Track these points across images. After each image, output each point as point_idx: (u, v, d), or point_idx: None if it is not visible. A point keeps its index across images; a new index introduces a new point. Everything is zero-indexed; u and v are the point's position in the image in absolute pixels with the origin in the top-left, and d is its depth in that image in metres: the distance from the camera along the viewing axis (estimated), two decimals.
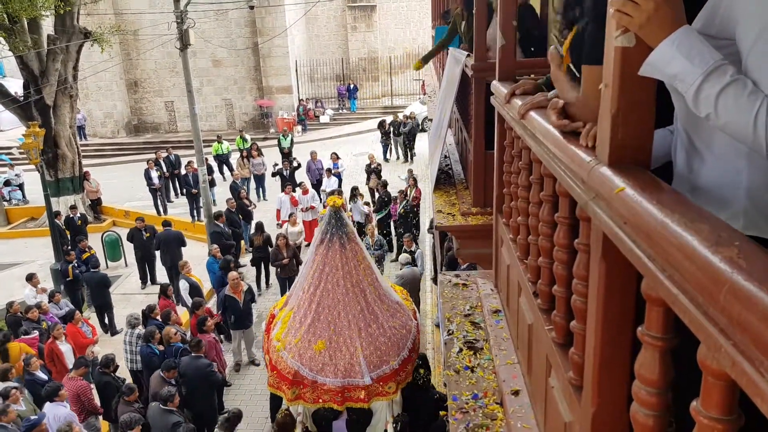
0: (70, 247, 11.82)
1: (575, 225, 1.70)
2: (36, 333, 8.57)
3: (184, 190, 16.53)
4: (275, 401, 8.00)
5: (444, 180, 5.70)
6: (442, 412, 5.69)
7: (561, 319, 1.83)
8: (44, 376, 7.55)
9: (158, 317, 8.54)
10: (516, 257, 2.56)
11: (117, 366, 7.55)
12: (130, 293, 12.29)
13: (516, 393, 2.43)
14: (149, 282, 12.46)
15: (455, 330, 3.10)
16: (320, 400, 5.94)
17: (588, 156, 1.40)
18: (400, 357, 6.09)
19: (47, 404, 6.63)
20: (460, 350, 2.91)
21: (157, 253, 12.06)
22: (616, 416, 1.39)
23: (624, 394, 1.36)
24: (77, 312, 9.15)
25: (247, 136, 20.10)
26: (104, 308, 10.68)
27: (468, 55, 4.76)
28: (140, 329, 8.24)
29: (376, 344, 6.01)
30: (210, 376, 7.21)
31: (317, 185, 15.23)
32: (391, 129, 20.38)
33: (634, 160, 1.27)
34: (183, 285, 9.44)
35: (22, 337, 8.43)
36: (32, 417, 6.26)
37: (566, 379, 1.71)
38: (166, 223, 12.88)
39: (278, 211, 13.42)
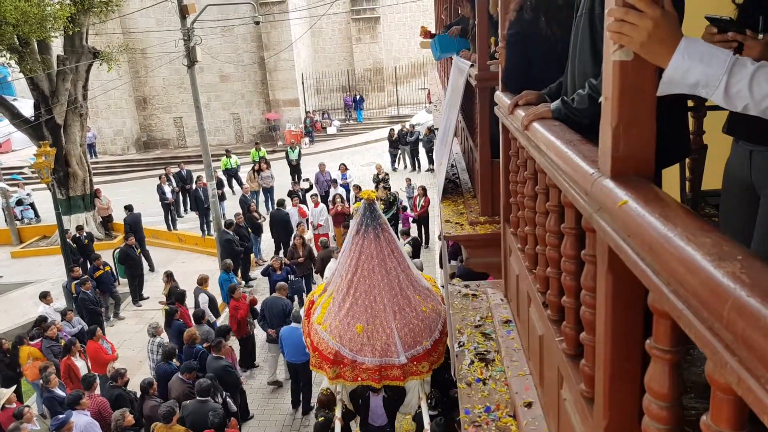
0: (74, 264, 11.85)
1: (582, 235, 1.69)
2: (39, 340, 8.82)
3: (195, 204, 16.63)
4: (296, 391, 8.51)
5: (451, 189, 5.70)
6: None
7: (571, 330, 1.82)
8: (62, 393, 7.66)
9: (181, 319, 8.90)
10: (525, 267, 2.55)
11: (128, 380, 7.71)
12: (141, 309, 12.37)
13: (529, 405, 2.42)
14: (139, 299, 12.63)
15: (466, 341, 3.09)
16: (359, 379, 6.28)
17: (591, 168, 1.40)
18: (432, 338, 6.42)
19: (69, 411, 6.72)
20: (472, 362, 2.89)
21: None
22: (628, 430, 1.38)
23: (636, 408, 1.34)
24: (98, 329, 9.28)
25: (263, 148, 20.23)
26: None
27: (471, 65, 4.78)
28: (160, 338, 8.53)
29: (410, 326, 6.34)
30: (228, 376, 7.56)
31: (326, 197, 15.28)
32: (398, 138, 20.45)
33: (637, 172, 1.27)
34: (203, 299, 9.65)
35: (29, 342, 8.77)
36: (60, 416, 6.43)
37: (578, 391, 1.70)
38: (281, 203, 13.89)
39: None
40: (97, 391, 7.54)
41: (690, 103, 2.62)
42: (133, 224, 14.01)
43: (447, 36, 6.49)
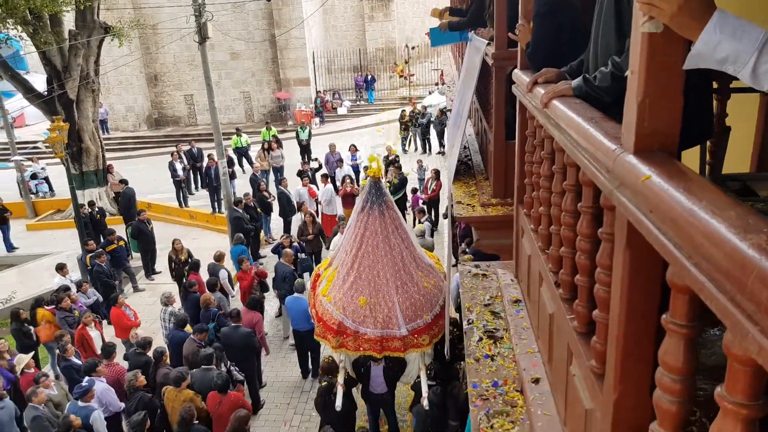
0: (88, 238, 12.00)
1: (598, 214, 1.70)
2: (52, 307, 9.12)
3: (206, 182, 16.69)
4: (302, 360, 8.82)
5: (463, 171, 5.69)
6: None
7: (583, 308, 1.83)
8: (78, 362, 7.88)
9: (197, 292, 9.15)
10: (537, 248, 2.56)
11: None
12: (154, 283, 12.53)
13: (536, 381, 2.44)
14: (151, 273, 12.80)
15: (475, 319, 3.11)
16: (361, 349, 6.52)
17: (613, 144, 1.40)
18: (433, 312, 6.63)
19: (86, 377, 6.92)
20: (480, 339, 2.92)
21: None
22: (639, 403, 1.39)
23: (647, 381, 1.36)
24: (120, 296, 9.49)
25: (273, 128, 20.22)
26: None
27: (488, 44, 4.73)
28: (172, 308, 8.79)
29: (412, 300, 6.55)
30: (251, 342, 7.93)
31: (333, 178, 15.27)
32: (410, 120, 20.35)
33: (661, 148, 1.27)
34: (223, 274, 9.93)
35: (45, 307, 9.14)
36: (83, 384, 6.65)
37: (588, 367, 1.72)
38: (279, 181, 14.11)
39: (298, 203, 13.51)
40: (116, 359, 7.74)
41: (714, 85, 2.58)
42: (132, 198, 14.35)
43: (438, 30, 6.56)
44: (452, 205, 5.05)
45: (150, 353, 7.72)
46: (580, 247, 1.82)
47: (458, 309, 6.71)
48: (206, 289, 9.18)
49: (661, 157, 1.23)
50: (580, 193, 1.83)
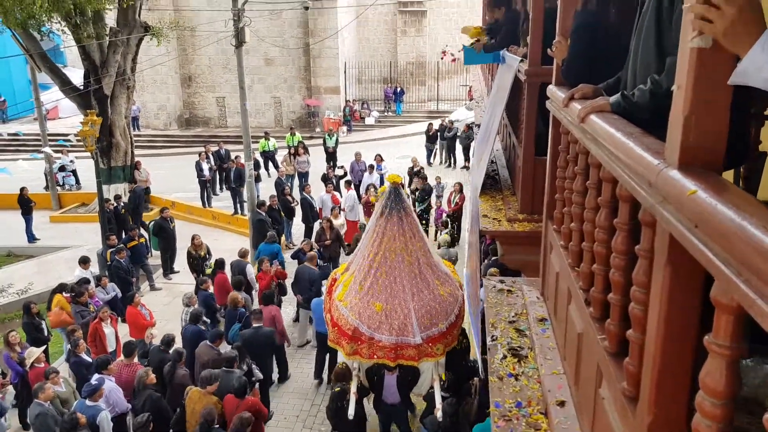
0: (110, 233, 12.15)
1: (634, 230, 1.66)
2: (68, 295, 9.26)
3: (231, 184, 16.86)
4: (320, 361, 8.79)
5: (490, 185, 5.66)
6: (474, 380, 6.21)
7: (615, 327, 1.79)
8: (89, 359, 7.83)
9: (208, 289, 9.36)
10: (567, 264, 2.52)
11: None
12: (171, 283, 12.60)
13: (561, 404, 2.38)
14: (170, 272, 12.88)
15: (499, 336, 3.07)
16: (375, 356, 6.47)
17: (655, 159, 1.37)
18: (448, 321, 6.60)
19: (96, 375, 6.86)
20: (504, 357, 2.87)
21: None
22: (674, 427, 1.35)
23: (684, 404, 1.32)
24: (137, 295, 9.56)
25: (297, 134, 20.42)
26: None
27: (521, 60, 4.72)
28: (194, 308, 8.85)
29: (427, 308, 6.52)
30: (272, 342, 8.09)
31: (358, 186, 15.31)
32: (437, 133, 20.38)
33: (705, 163, 1.24)
34: (249, 269, 10.11)
35: (64, 294, 9.30)
36: (93, 382, 6.61)
37: (619, 390, 1.67)
38: (303, 187, 14.23)
39: (320, 210, 13.58)
40: (136, 359, 7.67)
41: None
42: (140, 198, 14.91)
43: (473, 49, 6.60)
44: (479, 219, 5.02)
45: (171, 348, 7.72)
46: (615, 264, 1.78)
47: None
48: (231, 287, 9.24)
49: (705, 173, 1.20)
50: (616, 209, 1.79)
